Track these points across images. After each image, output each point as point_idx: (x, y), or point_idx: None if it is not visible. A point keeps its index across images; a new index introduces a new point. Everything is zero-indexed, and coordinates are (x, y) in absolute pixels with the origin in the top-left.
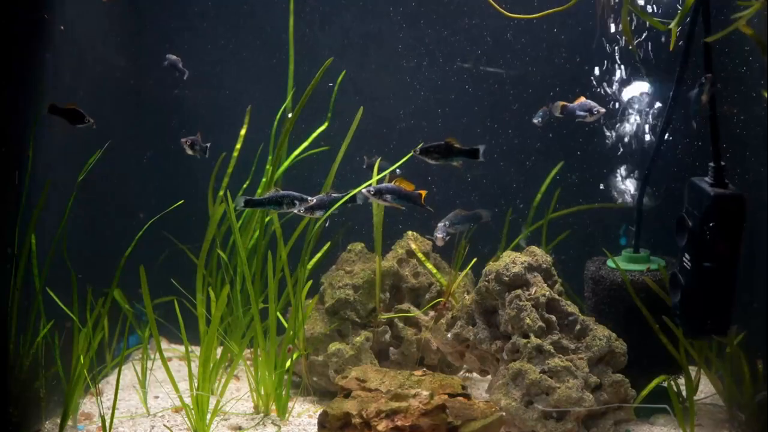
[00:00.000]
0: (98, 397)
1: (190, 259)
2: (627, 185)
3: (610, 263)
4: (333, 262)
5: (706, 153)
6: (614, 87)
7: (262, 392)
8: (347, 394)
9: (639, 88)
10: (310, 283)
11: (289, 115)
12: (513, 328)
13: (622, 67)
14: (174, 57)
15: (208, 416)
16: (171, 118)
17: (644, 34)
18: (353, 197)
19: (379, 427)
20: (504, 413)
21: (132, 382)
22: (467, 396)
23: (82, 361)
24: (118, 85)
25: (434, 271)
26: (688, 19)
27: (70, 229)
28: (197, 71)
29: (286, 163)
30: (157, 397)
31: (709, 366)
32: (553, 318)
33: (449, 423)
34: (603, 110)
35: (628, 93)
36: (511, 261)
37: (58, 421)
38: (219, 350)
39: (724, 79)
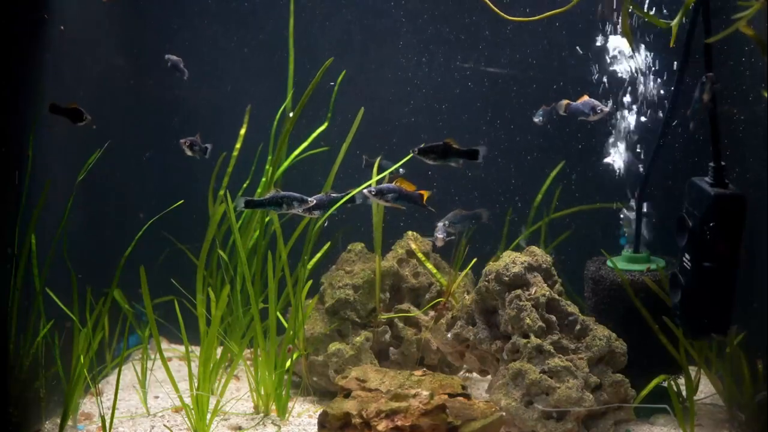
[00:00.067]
0: (98, 397)
1: (190, 259)
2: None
3: (610, 263)
4: (333, 262)
5: (706, 153)
6: (614, 87)
7: (262, 392)
8: (347, 394)
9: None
10: (310, 283)
11: (290, 115)
12: (513, 328)
13: (623, 66)
14: (175, 57)
15: (208, 416)
16: (171, 118)
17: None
18: (353, 197)
19: (379, 427)
20: (504, 413)
21: (132, 382)
22: (467, 396)
23: (82, 361)
24: (118, 85)
25: (434, 271)
26: (688, 19)
27: (70, 229)
28: (197, 71)
29: (286, 163)
30: (157, 397)
31: (709, 366)
32: (553, 318)
33: (449, 423)
34: (607, 109)
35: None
36: (511, 261)
37: (58, 421)
38: (219, 350)
39: (724, 79)
